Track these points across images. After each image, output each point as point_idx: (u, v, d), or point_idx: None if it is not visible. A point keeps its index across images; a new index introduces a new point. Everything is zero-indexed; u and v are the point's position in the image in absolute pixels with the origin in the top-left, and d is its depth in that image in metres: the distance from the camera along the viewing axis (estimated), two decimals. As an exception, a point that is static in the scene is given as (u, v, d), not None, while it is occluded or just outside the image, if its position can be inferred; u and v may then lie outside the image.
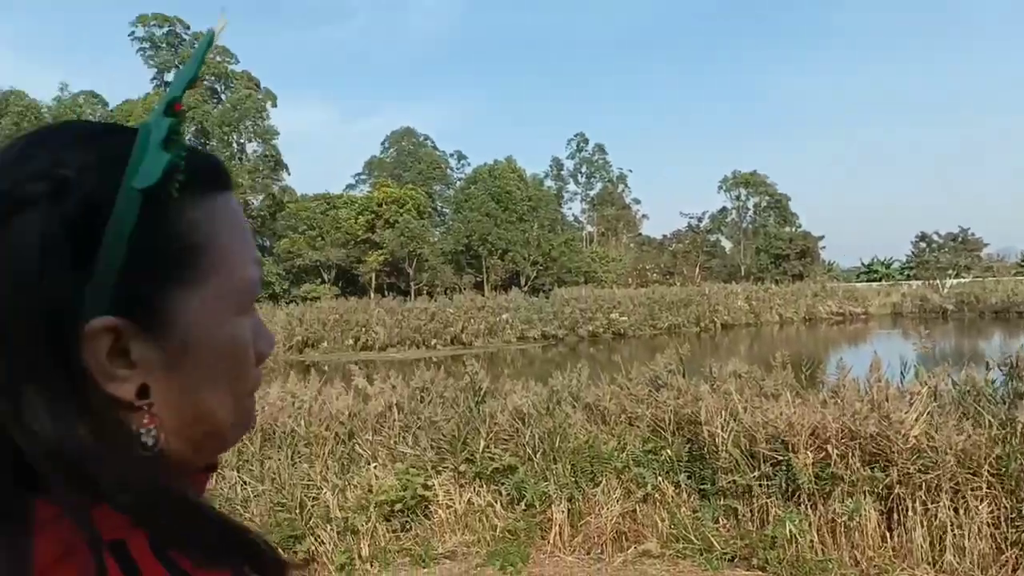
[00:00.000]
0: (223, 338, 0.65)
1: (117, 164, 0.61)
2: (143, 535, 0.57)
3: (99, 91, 76.93)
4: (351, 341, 38.19)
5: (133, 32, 73.37)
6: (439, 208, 75.89)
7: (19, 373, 0.57)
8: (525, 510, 7.09)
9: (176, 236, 0.63)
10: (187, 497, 0.60)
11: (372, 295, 54.69)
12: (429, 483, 7.18)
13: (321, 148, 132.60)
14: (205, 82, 72.31)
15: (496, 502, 7.24)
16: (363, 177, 79.73)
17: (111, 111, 73.10)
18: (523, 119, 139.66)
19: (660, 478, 6.91)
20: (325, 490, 6.90)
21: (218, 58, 71.81)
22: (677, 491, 6.87)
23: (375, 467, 7.26)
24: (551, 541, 6.84)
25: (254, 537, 0.64)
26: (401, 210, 61.75)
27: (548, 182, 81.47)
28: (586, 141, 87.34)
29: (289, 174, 74.35)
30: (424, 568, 6.67)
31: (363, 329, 38.52)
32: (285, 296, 55.21)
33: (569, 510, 6.95)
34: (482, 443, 7.32)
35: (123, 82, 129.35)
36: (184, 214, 0.64)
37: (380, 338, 37.86)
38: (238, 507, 6.63)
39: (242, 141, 71.48)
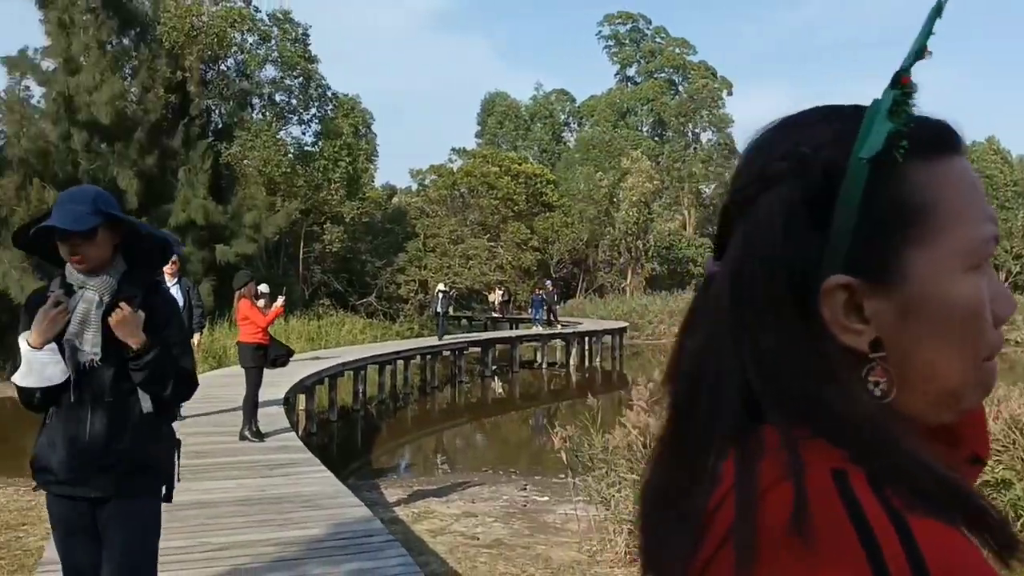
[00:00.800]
0: (952, 295, 0.67)
1: (848, 138, 0.68)
2: (861, 470, 0.60)
3: (568, 88, 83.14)
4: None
5: (600, 31, 78.26)
6: (902, 195, 70.36)
7: (766, 321, 0.66)
8: (1021, 531, 6.30)
9: (902, 198, 0.67)
10: (909, 443, 0.63)
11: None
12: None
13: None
14: (662, 74, 74.81)
15: None
16: (819, 163, 76.65)
17: (578, 107, 78.85)
18: (1010, 93, 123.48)
19: None
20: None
21: (676, 50, 73.80)
22: None
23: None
24: (1056, 571, 6.00)
25: (980, 498, 0.63)
26: (859, 197, 58.40)
27: (1039, 164, 71.29)
28: (1090, 115, 74.85)
29: (741, 162, 74.07)
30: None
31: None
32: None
33: (1081, 539, 6.03)
34: (970, 451, 6.65)
35: (589, 79, 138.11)
36: (910, 177, 0.68)
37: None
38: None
39: (697, 131, 72.76)
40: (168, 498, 2.87)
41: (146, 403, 2.73)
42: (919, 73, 0.68)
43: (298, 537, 4.96)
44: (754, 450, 0.63)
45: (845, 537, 0.56)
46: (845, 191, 0.66)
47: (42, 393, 2.72)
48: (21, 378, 2.71)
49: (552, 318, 32.65)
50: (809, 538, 0.56)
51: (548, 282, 36.45)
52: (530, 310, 34.47)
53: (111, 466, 2.67)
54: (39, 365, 2.66)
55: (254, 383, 8.70)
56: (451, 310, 30.82)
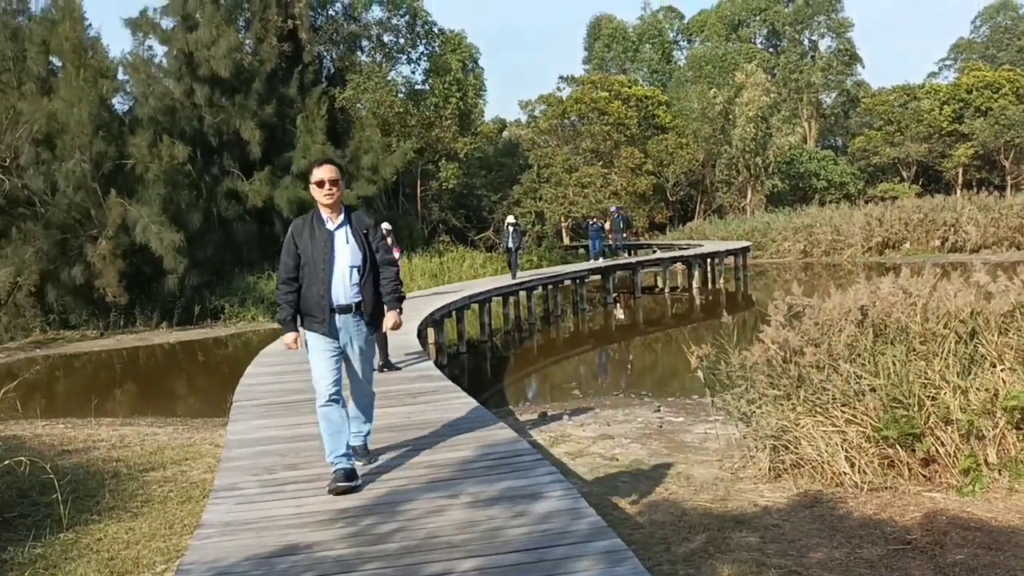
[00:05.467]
0: None
1: None
2: None
3: (676, 5, 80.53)
4: (937, 242, 35.42)
5: (706, -58, 74.97)
6: (1045, 89, 65.59)
7: None
8: None
9: None
10: None
11: (959, 192, 49.85)
12: (1070, 392, 6.36)
13: (899, 35, 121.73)
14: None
15: None
16: (948, 63, 72.12)
17: (687, 23, 76.33)
18: None
19: None
20: (945, 391, 6.51)
21: (788, -46, 70.14)
22: None
23: (1002, 370, 6.64)
24: None
25: None
26: (996, 96, 54.68)
27: None
28: None
29: (864, 68, 70.47)
30: (1066, 485, 5.98)
31: (951, 229, 35.41)
32: (861, 196, 53.00)
33: None
34: None
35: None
36: None
37: (972, 238, 34.46)
38: (852, 399, 6.60)
39: (814, 38, 69.41)
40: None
41: None
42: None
43: (450, 459, 5.10)
44: None
45: None
46: None
47: None
48: None
49: (616, 248, 28.67)
50: None
51: (613, 208, 32.41)
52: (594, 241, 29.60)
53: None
54: None
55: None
56: (524, 245, 27.18)
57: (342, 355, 5.05)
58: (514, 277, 22.13)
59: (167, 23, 29.66)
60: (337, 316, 4.96)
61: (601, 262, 27.33)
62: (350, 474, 4.75)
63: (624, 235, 30.13)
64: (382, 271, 5.09)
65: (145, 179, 25.04)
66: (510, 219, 23.36)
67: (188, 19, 29.01)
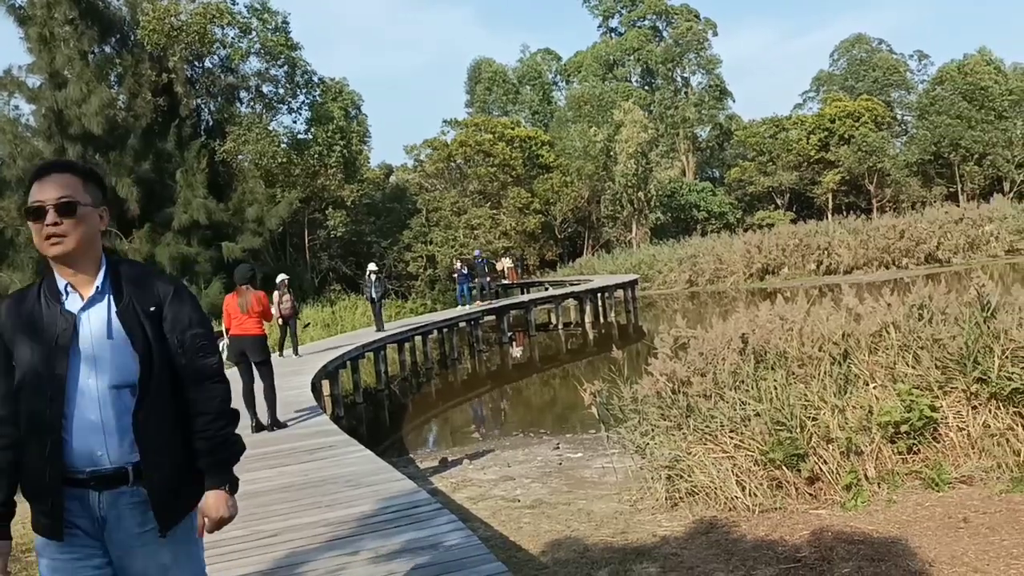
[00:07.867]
0: None
1: None
2: None
3: (553, 47, 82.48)
4: (813, 265, 37.07)
5: (579, -16, 77.15)
6: (900, 117, 69.78)
7: None
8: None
9: None
10: None
11: (830, 216, 52.40)
12: (936, 404, 6.76)
13: (765, 71, 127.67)
14: (645, 22, 74.05)
15: (1017, 425, 6.60)
16: (811, 95, 75.97)
17: (564, 64, 78.23)
18: (999, 1, 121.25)
19: None
20: (824, 411, 6.83)
21: (656, -5, 72.94)
22: None
23: (874, 388, 7.01)
24: (1093, 470, 6.07)
25: None
26: (856, 124, 57.94)
27: (1033, 70, 70.37)
28: (1080, 15, 73.75)
29: (734, 102, 73.62)
30: (938, 492, 6.33)
31: (825, 252, 37.15)
32: (740, 225, 55.07)
33: (1114, 436, 6.10)
34: (996, 361, 6.69)
35: (574, 36, 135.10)
36: None
37: (844, 260, 36.23)
38: (739, 425, 6.84)
39: (685, 75, 72.18)
40: None
41: None
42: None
43: (348, 515, 5.05)
44: None
45: None
46: None
47: None
48: None
49: (482, 293, 27.49)
50: None
51: (477, 252, 31.34)
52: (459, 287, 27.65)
53: None
54: None
55: (272, 373, 8.83)
56: (387, 294, 25.13)
57: None
58: (379, 329, 20.38)
59: (33, 81, 28.70)
60: (93, 496, 2.27)
61: (467, 308, 25.95)
62: None
63: (488, 279, 29.00)
64: (194, 392, 2.37)
65: (16, 243, 24.02)
66: (371, 267, 21.43)
67: (56, 76, 28.10)
